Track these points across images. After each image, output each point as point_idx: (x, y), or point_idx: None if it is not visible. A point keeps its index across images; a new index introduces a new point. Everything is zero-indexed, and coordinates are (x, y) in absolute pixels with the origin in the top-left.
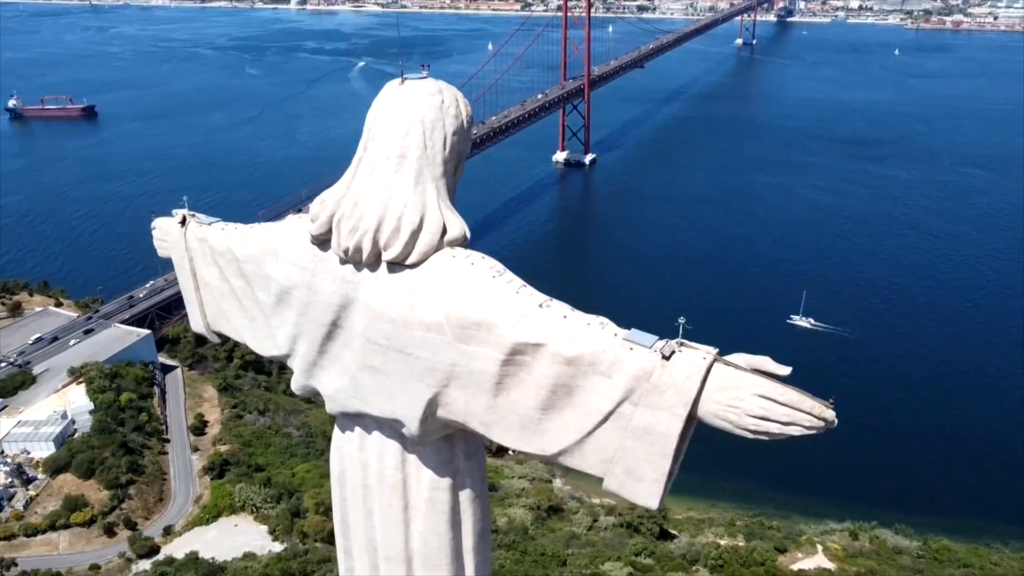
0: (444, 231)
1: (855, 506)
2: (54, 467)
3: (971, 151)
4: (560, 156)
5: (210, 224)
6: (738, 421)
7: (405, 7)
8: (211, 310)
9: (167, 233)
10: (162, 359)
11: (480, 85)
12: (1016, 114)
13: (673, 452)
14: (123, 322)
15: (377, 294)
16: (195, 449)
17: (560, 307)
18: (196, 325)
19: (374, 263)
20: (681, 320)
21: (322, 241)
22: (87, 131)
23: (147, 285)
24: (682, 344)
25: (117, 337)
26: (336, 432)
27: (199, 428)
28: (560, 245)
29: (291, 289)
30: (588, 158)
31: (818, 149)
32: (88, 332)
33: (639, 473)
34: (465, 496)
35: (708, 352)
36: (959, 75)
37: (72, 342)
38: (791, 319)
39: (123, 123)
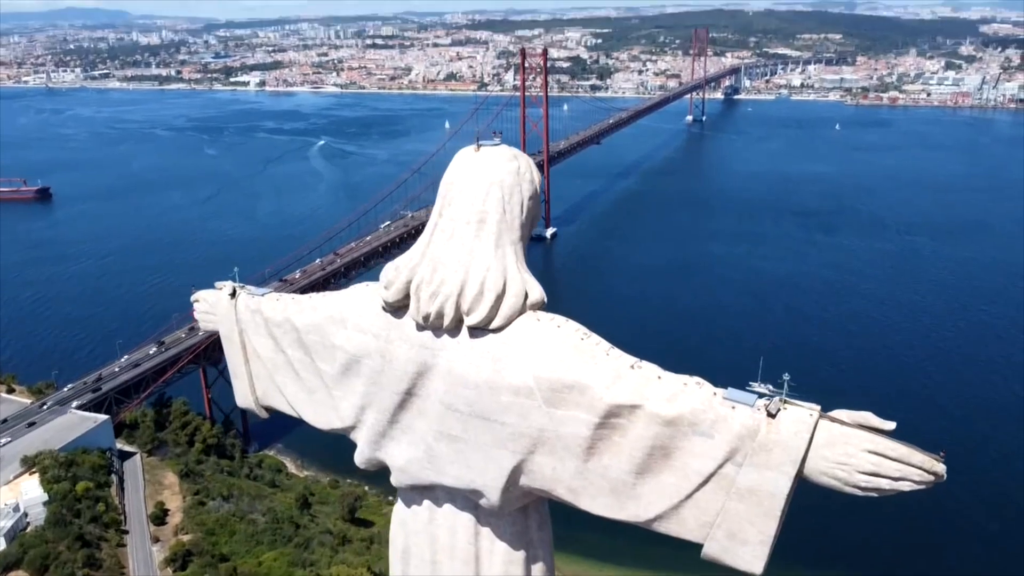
0: (526, 295)
1: None
2: (4, 564)
3: (915, 219)
4: None
5: (263, 295)
6: (848, 478)
7: (363, 88)
8: (262, 383)
9: (214, 306)
10: (120, 445)
11: (442, 163)
12: (954, 183)
13: (780, 512)
14: (80, 407)
15: (459, 360)
16: (156, 540)
17: (652, 368)
18: (243, 399)
19: (455, 328)
20: (786, 377)
21: (397, 308)
22: (41, 213)
23: (106, 368)
24: (784, 401)
25: (73, 423)
26: (399, 506)
27: (160, 517)
28: None
29: (362, 358)
30: (549, 232)
31: (769, 220)
32: (41, 419)
33: (743, 536)
34: (538, 569)
35: (812, 409)
36: (898, 147)
37: (25, 430)
38: (750, 386)
39: (78, 204)
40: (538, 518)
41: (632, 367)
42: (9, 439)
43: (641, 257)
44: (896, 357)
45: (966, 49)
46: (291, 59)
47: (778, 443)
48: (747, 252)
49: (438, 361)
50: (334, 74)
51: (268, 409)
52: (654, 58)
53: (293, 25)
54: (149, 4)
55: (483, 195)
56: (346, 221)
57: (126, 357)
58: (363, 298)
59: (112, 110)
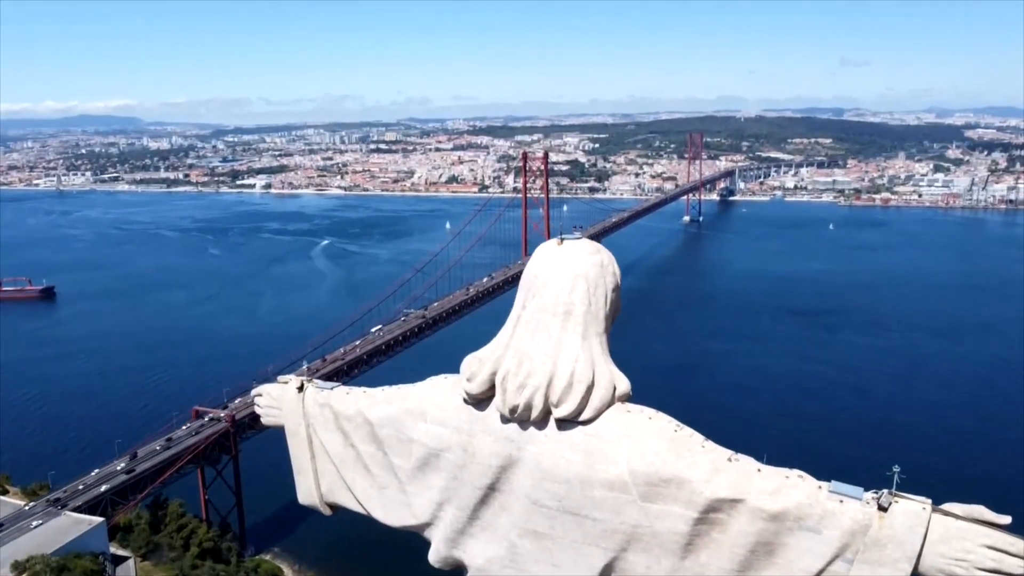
0: (614, 387)
1: None
2: None
3: (915, 318)
4: None
5: (331, 388)
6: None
7: (367, 190)
8: (328, 480)
9: (279, 400)
10: (114, 549)
11: (444, 261)
12: (951, 282)
13: None
14: (74, 509)
15: (548, 453)
16: None
17: (749, 460)
18: (308, 496)
19: (542, 421)
20: (896, 468)
21: (479, 400)
22: (44, 312)
23: (103, 468)
24: (894, 495)
25: (66, 526)
26: None
27: None
28: None
29: (442, 452)
30: None
31: (769, 317)
32: (33, 522)
33: None
34: None
35: (924, 502)
36: (893, 247)
37: (16, 533)
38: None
39: (81, 303)
40: None
41: (729, 459)
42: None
43: (643, 355)
44: (906, 452)
45: (953, 152)
46: (296, 163)
47: (892, 538)
48: (748, 350)
49: (524, 455)
50: (338, 177)
51: (332, 506)
52: (650, 161)
53: (299, 131)
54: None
55: (569, 288)
56: (348, 320)
57: (124, 458)
58: (442, 391)
59: (119, 211)
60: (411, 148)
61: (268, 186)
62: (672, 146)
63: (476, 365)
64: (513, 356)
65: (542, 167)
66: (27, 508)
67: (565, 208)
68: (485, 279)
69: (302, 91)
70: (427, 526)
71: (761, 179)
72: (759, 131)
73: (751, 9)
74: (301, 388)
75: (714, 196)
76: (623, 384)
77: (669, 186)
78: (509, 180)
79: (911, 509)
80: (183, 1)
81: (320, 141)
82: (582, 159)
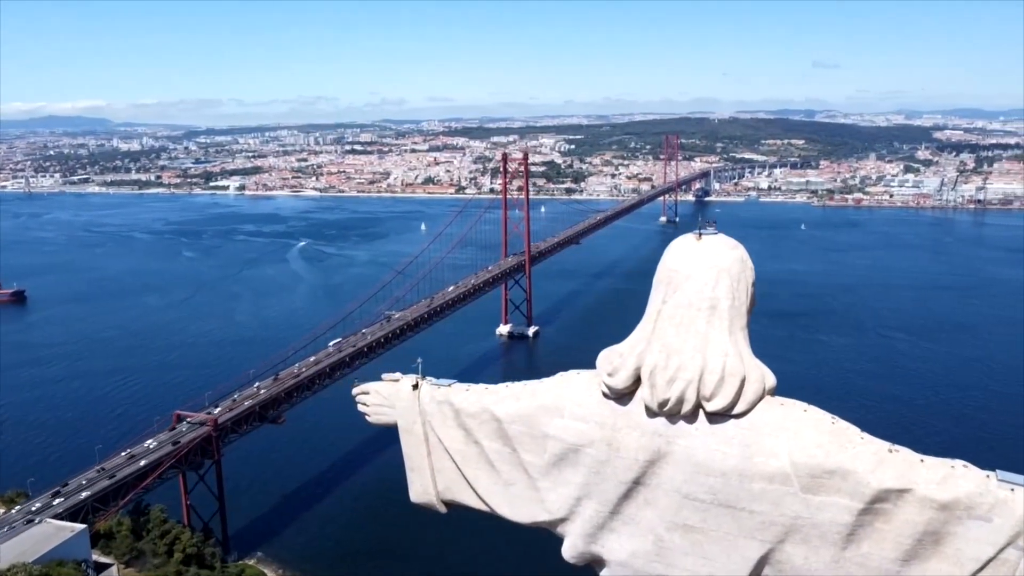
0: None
1: None
2: None
3: (891, 318)
4: (504, 329)
5: (449, 385)
6: None
7: (342, 192)
8: (445, 477)
9: (391, 398)
10: (96, 556)
11: (424, 263)
12: (924, 282)
13: None
14: (55, 516)
15: (701, 447)
16: None
17: (909, 451)
18: (422, 495)
19: (692, 414)
20: None
21: (621, 395)
22: (15, 316)
23: (84, 474)
24: None
25: (48, 534)
26: None
27: None
28: None
29: (582, 447)
30: (531, 330)
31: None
32: (15, 529)
33: None
34: None
35: None
36: (868, 247)
37: None
38: None
39: (53, 307)
40: None
41: (890, 450)
42: None
43: None
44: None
45: (922, 153)
46: (271, 164)
47: None
48: None
49: (673, 448)
50: (313, 178)
51: (449, 504)
52: (626, 162)
53: (273, 132)
54: (131, 112)
55: (713, 282)
56: (328, 323)
57: (106, 463)
58: (578, 386)
59: (90, 214)
60: (386, 149)
61: (242, 188)
62: (647, 147)
63: (617, 360)
64: (659, 350)
65: (521, 168)
66: (7, 516)
67: (543, 209)
68: (451, 288)
69: (275, 92)
70: (561, 522)
71: (735, 180)
72: (733, 132)
73: (724, 10)
74: (416, 385)
75: (690, 197)
76: (771, 377)
77: (645, 187)
78: (486, 181)
79: None
80: (152, 1)
81: (294, 142)
82: (558, 160)
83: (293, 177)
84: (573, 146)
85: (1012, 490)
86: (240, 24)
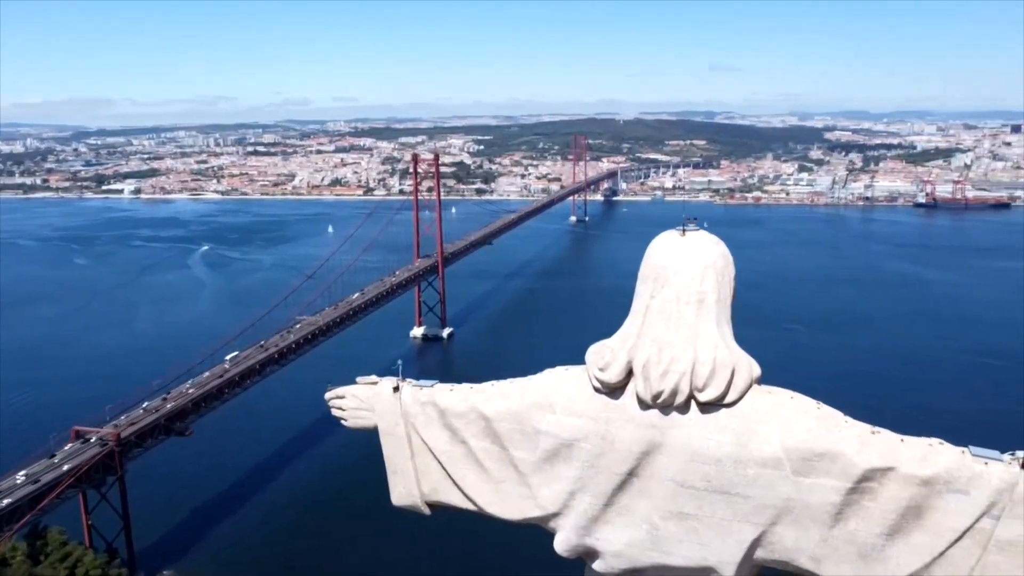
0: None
1: None
2: None
3: (794, 311)
4: (418, 331)
5: (431, 386)
6: None
7: (246, 195)
8: (431, 479)
9: (369, 400)
10: None
11: (334, 267)
12: (822, 276)
13: None
14: None
15: (695, 436)
16: None
17: (889, 432)
18: (407, 496)
19: (684, 405)
20: None
21: (613, 389)
22: None
23: None
24: None
25: None
26: None
27: None
28: None
29: (577, 442)
30: (446, 332)
31: None
32: None
33: None
34: None
35: None
36: (769, 244)
37: None
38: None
39: None
40: None
41: (872, 432)
42: None
43: (535, 353)
44: None
45: (815, 153)
46: (168, 166)
47: None
48: None
49: (668, 439)
50: (214, 181)
51: (433, 506)
52: (535, 163)
53: (169, 133)
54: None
55: (700, 277)
56: (238, 329)
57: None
58: (568, 382)
59: None
60: (291, 150)
61: (138, 191)
62: (556, 148)
63: (608, 355)
64: (651, 344)
65: (431, 169)
66: None
67: (453, 210)
68: (363, 291)
69: (172, 91)
70: (554, 516)
71: (642, 180)
72: (638, 133)
73: (627, 11)
74: (396, 388)
75: (599, 197)
76: (757, 367)
77: (555, 187)
78: (395, 182)
79: None
80: None
81: (193, 144)
82: (468, 161)
83: (193, 180)
84: (482, 147)
85: (986, 463)
86: (134, 20)
